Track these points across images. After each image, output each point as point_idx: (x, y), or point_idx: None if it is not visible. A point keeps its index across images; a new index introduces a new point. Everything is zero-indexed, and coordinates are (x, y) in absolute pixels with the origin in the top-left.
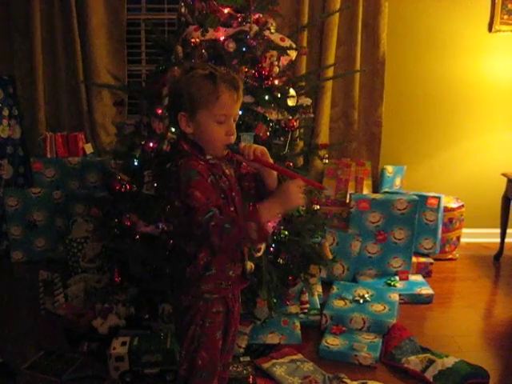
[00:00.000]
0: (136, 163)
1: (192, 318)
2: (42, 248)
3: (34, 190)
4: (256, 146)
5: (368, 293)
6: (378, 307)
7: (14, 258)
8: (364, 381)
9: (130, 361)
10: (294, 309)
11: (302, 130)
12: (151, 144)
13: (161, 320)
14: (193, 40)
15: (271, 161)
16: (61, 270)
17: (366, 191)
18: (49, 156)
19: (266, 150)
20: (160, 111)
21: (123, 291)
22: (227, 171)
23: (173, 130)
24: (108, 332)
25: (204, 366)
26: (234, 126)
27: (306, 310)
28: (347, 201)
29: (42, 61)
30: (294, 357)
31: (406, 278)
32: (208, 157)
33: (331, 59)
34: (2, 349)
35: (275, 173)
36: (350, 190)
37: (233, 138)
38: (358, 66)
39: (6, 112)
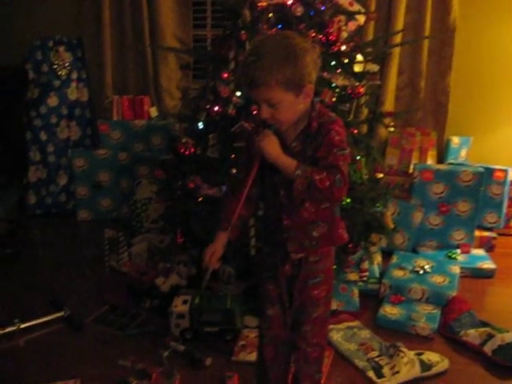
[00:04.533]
0: (201, 126)
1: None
2: (107, 208)
3: (100, 152)
4: None
5: (428, 264)
6: (438, 279)
7: (81, 217)
8: (421, 351)
9: (191, 319)
10: (352, 276)
11: (367, 98)
12: (216, 108)
13: (221, 281)
14: (260, 4)
15: None
16: (125, 230)
17: (430, 162)
18: (115, 118)
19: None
20: (226, 75)
21: (185, 252)
22: None
23: (238, 94)
24: (169, 290)
25: None
26: None
27: (364, 278)
28: (410, 171)
29: (109, 25)
30: (352, 323)
31: (468, 252)
32: None
33: (399, 25)
34: (69, 302)
35: None
36: (414, 160)
37: None
38: (426, 33)
39: (74, 75)
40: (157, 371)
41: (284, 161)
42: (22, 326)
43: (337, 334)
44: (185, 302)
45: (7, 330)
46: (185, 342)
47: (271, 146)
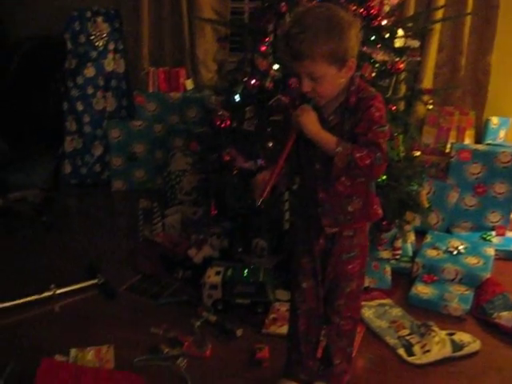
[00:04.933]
0: (238, 99)
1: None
2: (141, 179)
3: (135, 123)
4: None
5: (462, 245)
6: (472, 260)
7: (115, 187)
8: (452, 331)
9: (223, 290)
10: (385, 254)
11: (405, 74)
12: (253, 81)
13: (254, 254)
14: None
15: None
16: (159, 201)
17: (467, 142)
18: (151, 90)
19: None
20: (264, 48)
21: (218, 224)
22: None
23: (275, 67)
24: (202, 262)
25: None
26: None
27: (397, 257)
28: (447, 150)
29: None
30: (383, 301)
31: (503, 234)
32: None
33: (441, 0)
34: (103, 270)
35: None
36: (451, 140)
37: None
38: (469, 10)
39: (111, 46)
40: (188, 340)
41: (323, 136)
42: (58, 291)
43: (368, 311)
44: (218, 274)
45: (43, 294)
46: (216, 313)
47: (311, 122)
